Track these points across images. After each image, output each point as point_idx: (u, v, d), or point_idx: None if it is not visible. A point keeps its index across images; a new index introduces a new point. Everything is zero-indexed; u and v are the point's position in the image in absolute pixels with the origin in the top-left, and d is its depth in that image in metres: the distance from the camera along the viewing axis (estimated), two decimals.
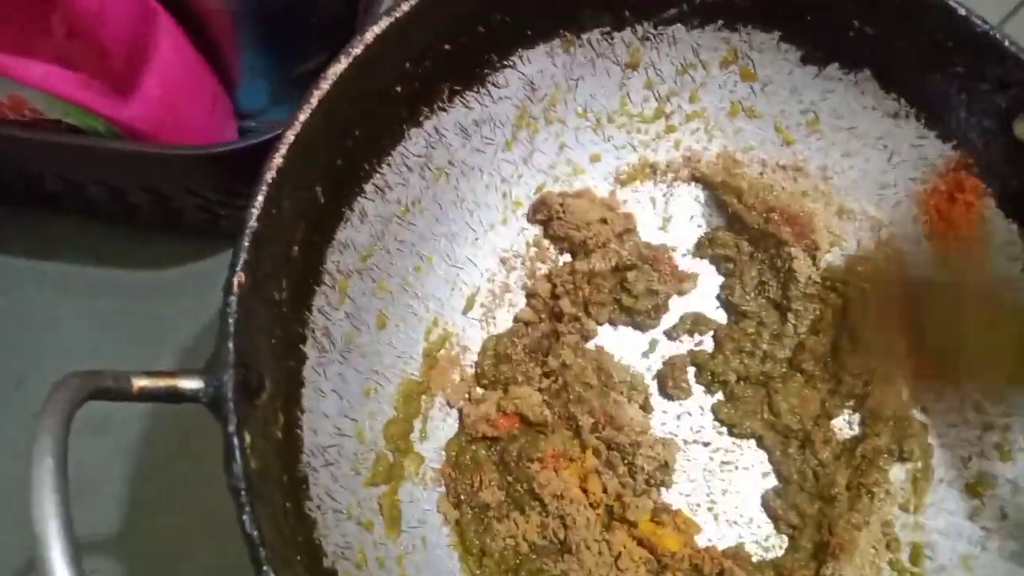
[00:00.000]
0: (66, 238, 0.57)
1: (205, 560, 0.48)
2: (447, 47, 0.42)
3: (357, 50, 0.37)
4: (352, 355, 0.42)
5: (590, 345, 0.50)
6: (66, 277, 0.57)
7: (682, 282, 0.51)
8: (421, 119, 0.44)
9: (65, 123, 0.47)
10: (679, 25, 0.47)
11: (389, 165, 0.43)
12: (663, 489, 0.47)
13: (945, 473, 0.47)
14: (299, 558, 0.34)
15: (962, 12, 0.42)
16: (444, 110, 0.44)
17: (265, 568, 0.30)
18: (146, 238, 0.57)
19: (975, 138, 0.45)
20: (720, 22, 0.46)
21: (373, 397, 0.44)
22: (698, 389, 0.50)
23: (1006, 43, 0.42)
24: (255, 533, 0.30)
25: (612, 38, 0.47)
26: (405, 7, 0.38)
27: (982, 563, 0.44)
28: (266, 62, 0.53)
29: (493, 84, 0.46)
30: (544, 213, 0.50)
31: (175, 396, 0.31)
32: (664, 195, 0.52)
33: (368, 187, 0.42)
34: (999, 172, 0.45)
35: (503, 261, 0.50)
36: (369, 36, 0.37)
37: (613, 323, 0.51)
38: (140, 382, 0.31)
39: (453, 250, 0.48)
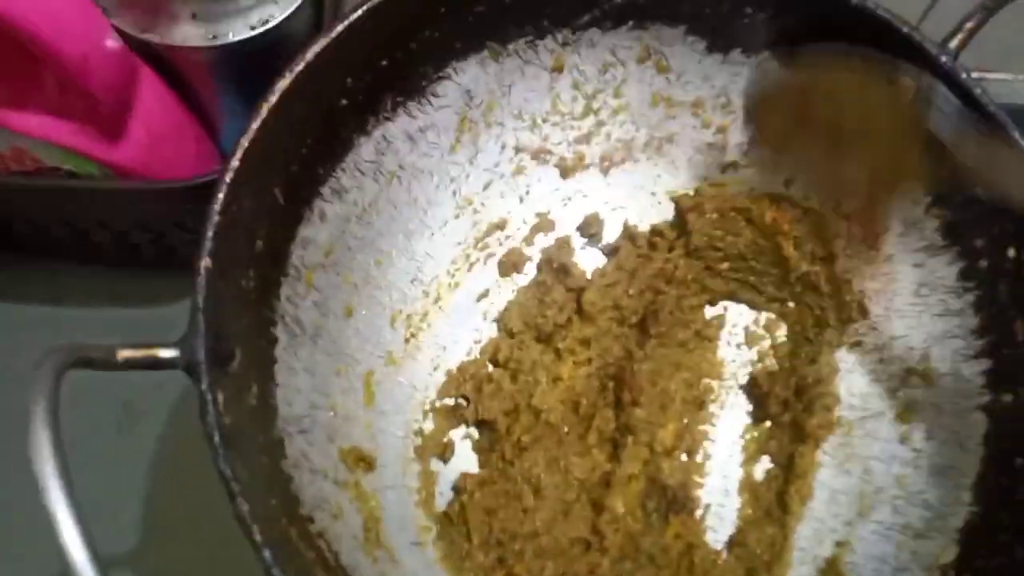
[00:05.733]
0: (73, 283, 0.62)
1: None
2: (384, 63, 0.46)
3: (299, 67, 0.42)
4: (322, 338, 0.46)
5: None
6: (75, 320, 0.61)
7: None
8: (369, 128, 0.48)
9: (64, 170, 0.52)
10: (594, 29, 0.51)
11: (344, 170, 0.47)
12: None
13: (877, 405, 0.50)
14: (274, 502, 0.38)
15: None
16: (390, 119, 0.49)
17: (239, 499, 0.34)
18: (145, 277, 0.62)
19: None
20: (630, 23, 0.51)
21: (344, 375, 0.48)
22: None
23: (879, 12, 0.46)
24: (227, 470, 0.34)
25: (536, 46, 0.51)
26: (339, 27, 0.43)
27: (914, 480, 0.47)
28: (244, 106, 0.58)
29: (433, 94, 0.50)
30: None
31: (155, 364, 0.36)
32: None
33: (325, 190, 0.46)
34: None
35: (459, 254, 0.54)
36: (309, 55, 0.42)
37: None
38: (124, 353, 0.36)
39: (411, 245, 0.52)
